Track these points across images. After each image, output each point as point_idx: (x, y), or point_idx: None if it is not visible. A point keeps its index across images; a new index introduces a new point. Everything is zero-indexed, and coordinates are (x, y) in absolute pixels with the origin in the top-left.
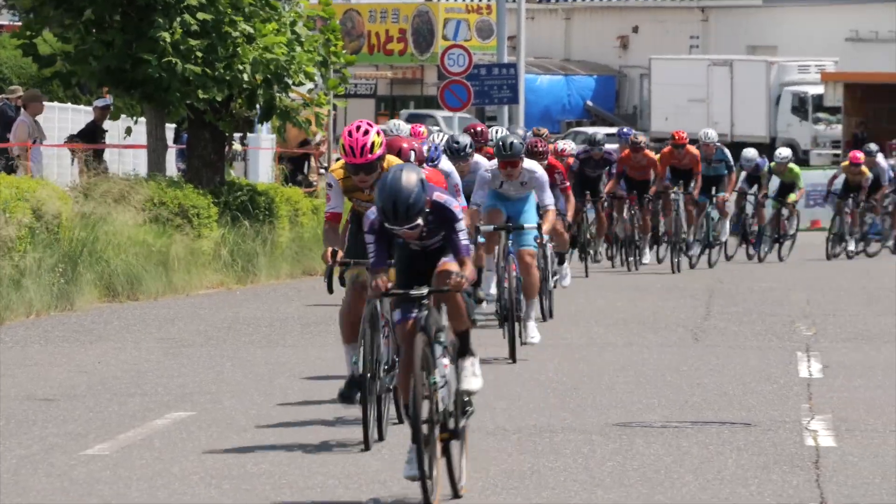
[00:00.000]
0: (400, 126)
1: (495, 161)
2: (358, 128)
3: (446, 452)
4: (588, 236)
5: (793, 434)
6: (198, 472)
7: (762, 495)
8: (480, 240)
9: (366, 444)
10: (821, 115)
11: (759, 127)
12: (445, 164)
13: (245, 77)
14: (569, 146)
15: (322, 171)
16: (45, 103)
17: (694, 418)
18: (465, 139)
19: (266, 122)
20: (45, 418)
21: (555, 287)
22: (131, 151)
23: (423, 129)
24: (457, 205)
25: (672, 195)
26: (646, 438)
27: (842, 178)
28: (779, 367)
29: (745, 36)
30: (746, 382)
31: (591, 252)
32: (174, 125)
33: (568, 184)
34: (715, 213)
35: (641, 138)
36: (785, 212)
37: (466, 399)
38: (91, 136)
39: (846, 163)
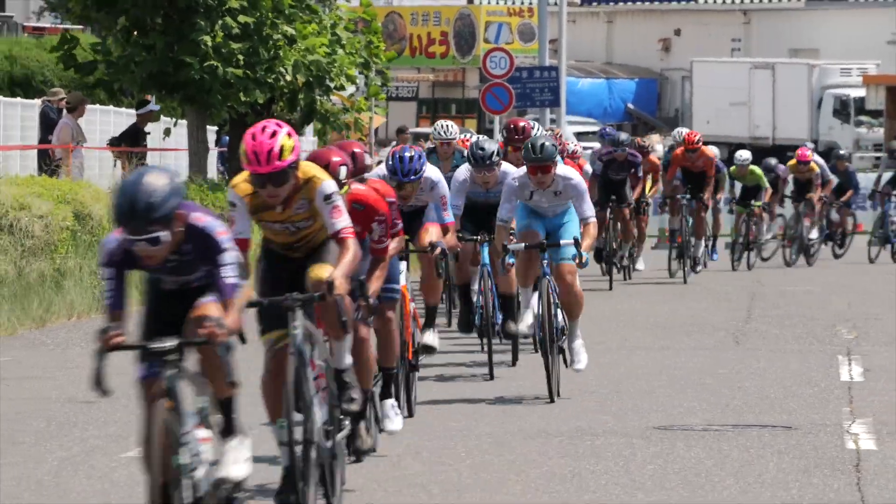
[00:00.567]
0: (449, 128)
1: (524, 168)
2: (263, 129)
3: None
4: (613, 245)
5: (833, 437)
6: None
7: (803, 499)
8: (510, 260)
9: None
10: (863, 118)
11: (801, 130)
12: (432, 172)
13: (286, 79)
14: (596, 147)
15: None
16: (87, 106)
17: (735, 421)
18: (491, 145)
19: (307, 125)
20: (85, 420)
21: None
22: (173, 154)
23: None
24: (222, 231)
25: (680, 198)
26: (686, 442)
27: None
28: (820, 371)
29: (787, 39)
30: (787, 386)
31: (616, 262)
32: (215, 128)
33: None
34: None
35: (645, 140)
36: (766, 216)
37: (228, 491)
38: (133, 139)
39: (793, 161)
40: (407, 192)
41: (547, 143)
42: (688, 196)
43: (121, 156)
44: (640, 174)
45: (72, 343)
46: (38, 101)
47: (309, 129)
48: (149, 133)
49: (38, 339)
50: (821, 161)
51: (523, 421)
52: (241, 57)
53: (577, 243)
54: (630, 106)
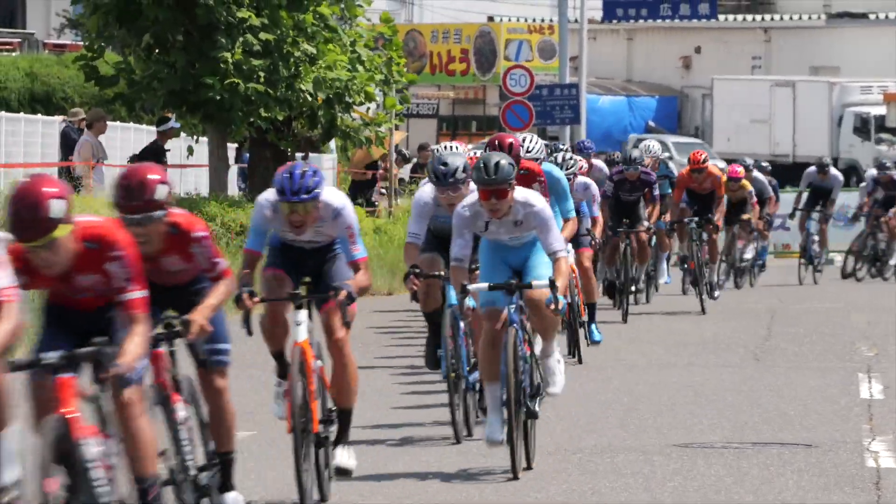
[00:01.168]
0: (454, 149)
1: (474, 194)
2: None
3: None
4: (631, 274)
5: (853, 455)
6: (258, 490)
7: None
8: (470, 303)
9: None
10: (883, 135)
11: (822, 148)
12: (334, 197)
13: (307, 97)
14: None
15: (383, 190)
16: (107, 123)
17: (754, 439)
18: (456, 160)
19: (328, 141)
20: None
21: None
22: (193, 171)
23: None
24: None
25: (688, 223)
26: (706, 459)
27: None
28: (839, 388)
29: (807, 56)
30: (807, 403)
31: (634, 291)
32: (236, 144)
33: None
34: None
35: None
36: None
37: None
38: (154, 156)
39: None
40: (300, 216)
41: (503, 162)
42: (696, 219)
43: None
44: (656, 193)
45: None
46: (58, 118)
47: (332, 144)
48: (169, 150)
49: None
50: (761, 178)
51: (541, 437)
52: (261, 74)
53: (552, 285)
54: (651, 123)
